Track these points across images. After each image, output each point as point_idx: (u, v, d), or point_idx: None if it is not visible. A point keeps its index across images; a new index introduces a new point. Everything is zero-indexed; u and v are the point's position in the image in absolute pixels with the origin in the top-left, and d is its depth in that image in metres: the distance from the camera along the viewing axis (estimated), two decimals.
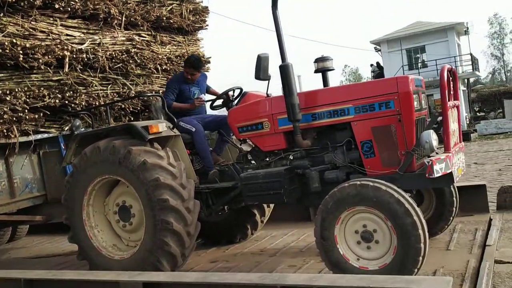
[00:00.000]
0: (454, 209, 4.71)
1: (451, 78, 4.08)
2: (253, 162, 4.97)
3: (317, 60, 4.85)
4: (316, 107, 4.27)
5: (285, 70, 4.17)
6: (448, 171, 3.65)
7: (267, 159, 4.74)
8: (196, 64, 5.49)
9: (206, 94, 5.85)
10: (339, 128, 4.29)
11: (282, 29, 4.22)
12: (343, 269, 3.62)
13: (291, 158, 4.51)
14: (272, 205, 5.84)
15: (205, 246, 5.92)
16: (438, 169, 3.56)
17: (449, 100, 3.92)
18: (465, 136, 22.72)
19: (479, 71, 34.93)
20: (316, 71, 4.89)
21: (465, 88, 32.16)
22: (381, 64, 31.01)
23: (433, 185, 4.12)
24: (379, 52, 32.91)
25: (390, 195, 3.47)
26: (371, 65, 31.48)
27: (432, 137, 3.62)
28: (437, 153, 3.87)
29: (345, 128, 4.23)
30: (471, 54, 32.08)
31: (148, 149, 4.52)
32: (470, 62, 31.65)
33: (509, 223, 5.09)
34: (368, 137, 4.05)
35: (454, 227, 5.08)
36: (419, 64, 30.82)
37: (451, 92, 4.08)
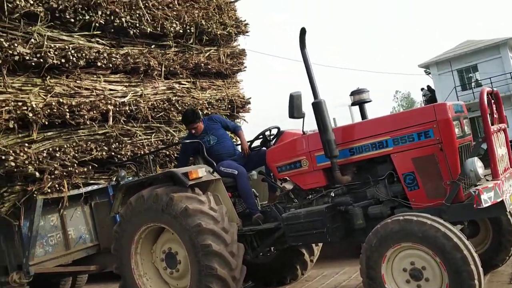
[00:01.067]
0: None
1: (493, 101, 3.88)
2: (295, 200, 4.89)
3: (353, 93, 4.80)
4: (353, 142, 4.18)
5: (318, 107, 4.13)
6: (499, 200, 3.41)
7: (309, 197, 4.65)
8: (191, 117, 5.45)
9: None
10: (379, 161, 4.16)
11: (312, 67, 4.22)
12: None
13: (333, 195, 4.40)
14: (320, 244, 5.69)
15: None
16: (487, 199, 3.33)
17: (493, 124, 3.71)
18: None
19: None
20: (353, 104, 4.84)
21: None
22: (432, 87, 30.16)
23: (483, 215, 3.86)
24: (429, 75, 32.08)
25: (436, 229, 3.28)
26: (422, 89, 30.67)
27: (476, 164, 3.42)
28: (487, 180, 3.65)
29: (385, 161, 4.10)
30: None
31: (189, 195, 4.56)
32: None
33: None
34: (410, 168, 3.89)
35: None
36: (473, 84, 29.68)
37: (495, 116, 3.87)
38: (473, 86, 29.20)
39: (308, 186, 4.60)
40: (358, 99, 4.75)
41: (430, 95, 28.71)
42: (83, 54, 5.40)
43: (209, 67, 6.91)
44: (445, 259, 3.23)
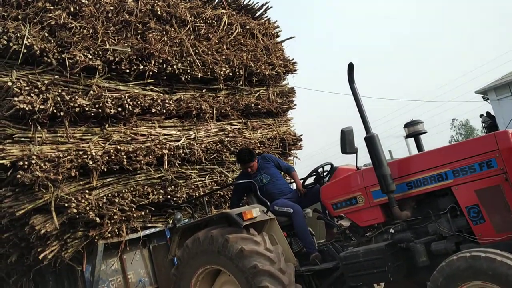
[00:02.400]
0: None
1: None
2: (353, 238, 4.73)
3: (407, 125, 4.68)
4: (410, 175, 4.02)
5: (371, 142, 4.04)
6: None
7: (367, 234, 4.48)
8: (247, 157, 5.51)
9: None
10: (440, 195, 3.97)
11: (362, 101, 4.16)
12: None
13: (392, 231, 4.22)
14: (382, 283, 5.43)
15: None
16: None
17: None
18: None
19: None
20: (407, 136, 4.70)
21: None
22: (492, 113, 28.93)
23: None
24: (488, 101, 30.85)
25: (509, 266, 3.04)
26: (481, 115, 29.49)
27: None
28: None
29: (446, 193, 3.90)
30: None
31: (244, 236, 4.52)
32: None
33: None
34: (474, 201, 3.68)
35: None
36: None
37: None
38: None
39: (366, 223, 4.44)
40: (413, 131, 4.62)
41: (490, 121, 27.53)
42: (138, 102, 5.64)
43: (259, 107, 7.01)
44: None
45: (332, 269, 4.59)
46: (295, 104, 7.62)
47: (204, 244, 4.68)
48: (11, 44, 4.91)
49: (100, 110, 5.31)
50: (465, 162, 3.70)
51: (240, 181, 5.58)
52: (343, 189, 4.55)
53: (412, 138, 4.74)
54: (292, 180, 5.86)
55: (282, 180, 5.64)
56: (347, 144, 4.23)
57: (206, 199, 5.82)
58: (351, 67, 4.17)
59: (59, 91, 5.09)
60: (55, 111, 4.99)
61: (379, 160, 4.00)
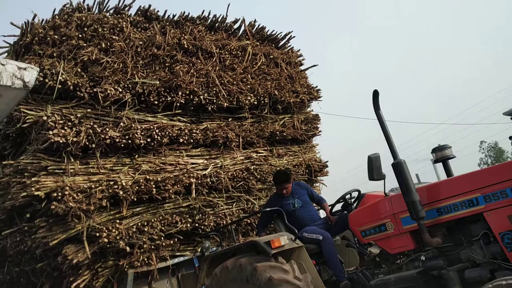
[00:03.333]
0: None
1: None
2: (383, 266, 4.66)
3: (434, 150, 4.64)
4: (440, 201, 3.97)
5: (398, 168, 4.02)
6: None
7: (397, 261, 4.42)
8: (284, 177, 5.57)
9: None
10: (471, 221, 3.89)
11: (388, 128, 4.17)
12: None
13: (423, 258, 4.15)
14: None
15: None
16: None
17: None
18: None
19: None
20: (435, 161, 4.67)
21: None
22: None
23: None
24: None
25: None
26: (510, 137, 28.86)
27: None
28: None
29: (478, 219, 3.83)
30: None
31: (273, 264, 4.51)
32: None
33: None
34: (508, 227, 3.59)
35: None
36: None
37: None
38: None
39: (396, 250, 4.38)
40: (441, 156, 4.58)
41: None
42: (167, 132, 5.77)
43: (285, 134, 7.08)
44: None
45: None
46: (320, 131, 7.66)
47: (232, 272, 4.68)
48: (46, 80, 5.12)
49: (130, 141, 5.45)
50: (496, 187, 3.64)
51: (268, 209, 5.60)
52: (371, 216, 4.51)
53: (440, 163, 4.71)
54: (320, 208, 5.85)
55: (313, 207, 5.67)
56: (374, 170, 4.22)
57: (234, 227, 5.84)
58: (376, 94, 4.19)
59: (91, 123, 5.26)
60: (87, 143, 5.15)
61: (407, 186, 3.97)
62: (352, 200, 5.19)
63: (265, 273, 4.40)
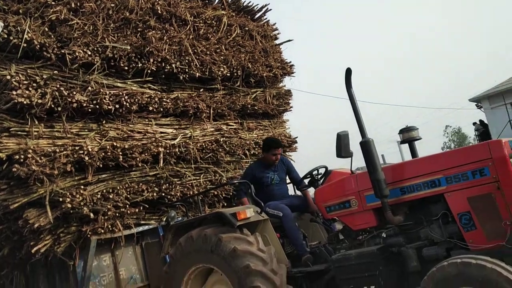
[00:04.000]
0: None
1: None
2: (345, 241, 4.77)
3: (402, 131, 4.72)
4: (404, 181, 4.07)
5: (366, 146, 4.08)
6: None
7: (359, 238, 4.53)
8: (276, 143, 5.57)
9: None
10: (432, 201, 4.02)
11: (359, 106, 4.20)
12: None
13: (384, 236, 4.26)
14: (372, 287, 5.47)
15: None
16: None
17: None
18: None
19: None
20: (402, 142, 4.75)
21: None
22: (485, 121, 29.16)
23: None
24: (481, 109, 31.09)
25: (498, 274, 3.10)
26: (474, 123, 29.74)
27: None
28: None
29: (439, 200, 3.96)
30: None
31: (238, 235, 4.55)
32: None
33: None
34: (466, 208, 3.73)
35: None
36: None
37: None
38: None
39: (358, 226, 4.48)
40: (408, 137, 4.66)
41: (483, 129, 27.76)
42: (136, 100, 5.66)
43: (256, 108, 7.05)
44: None
45: (324, 271, 4.61)
46: (291, 106, 7.67)
47: (197, 242, 4.70)
48: (11, 38, 4.90)
49: (97, 107, 5.32)
50: (458, 170, 3.75)
51: (236, 182, 5.66)
52: (337, 192, 4.59)
53: (406, 144, 4.80)
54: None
55: (286, 185, 5.73)
56: (342, 148, 4.27)
57: (200, 198, 5.84)
58: (348, 72, 4.21)
59: (58, 86, 5.09)
60: (52, 106, 4.99)
61: (373, 165, 4.04)
62: (319, 176, 5.26)
63: (230, 244, 4.44)
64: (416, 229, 4.12)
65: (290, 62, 7.75)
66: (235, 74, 6.86)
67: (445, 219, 3.94)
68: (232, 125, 6.83)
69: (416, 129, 4.65)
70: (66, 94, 5.07)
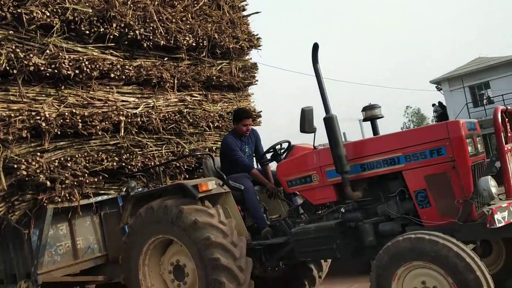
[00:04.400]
0: None
1: (507, 119, 3.85)
2: (305, 215, 4.86)
3: (365, 109, 4.77)
4: (364, 157, 4.15)
5: (329, 122, 4.12)
6: None
7: (318, 212, 4.62)
8: (246, 113, 5.54)
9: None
10: (391, 178, 4.12)
11: (324, 82, 4.21)
12: None
13: (343, 210, 4.36)
14: (329, 260, 5.63)
15: None
16: (500, 219, 3.29)
17: (507, 143, 3.67)
18: None
19: None
20: (364, 120, 4.81)
21: None
22: (444, 103, 30.03)
23: (496, 235, 3.76)
24: (441, 91, 31.97)
25: (449, 249, 3.23)
26: (433, 105, 30.56)
27: (490, 183, 3.38)
28: (500, 200, 3.60)
29: (397, 177, 4.06)
30: None
31: (199, 207, 4.55)
32: None
33: None
34: (422, 186, 3.85)
35: None
36: (485, 101, 29.52)
37: (509, 134, 3.82)
38: (485, 103, 29.03)
39: (318, 201, 4.56)
40: (370, 115, 4.72)
41: (441, 111, 28.58)
42: (97, 66, 5.46)
43: (221, 80, 6.94)
44: (457, 279, 3.19)
45: (283, 244, 4.69)
46: (257, 80, 7.58)
47: (157, 213, 4.68)
48: None
49: (56, 71, 5.10)
50: (417, 148, 3.85)
51: (198, 154, 5.64)
52: (299, 167, 4.64)
53: (369, 122, 4.86)
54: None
55: (252, 159, 5.72)
56: (306, 123, 4.30)
57: (162, 169, 5.77)
58: (315, 47, 4.20)
59: (13, 47, 4.84)
60: (7, 68, 4.75)
61: (336, 141, 4.09)
62: (282, 151, 5.28)
63: (191, 216, 4.45)
64: (374, 205, 4.23)
65: (257, 34, 7.65)
66: (201, 44, 6.70)
67: (402, 196, 4.05)
68: (196, 97, 6.72)
69: (378, 107, 4.71)
70: (22, 56, 4.83)
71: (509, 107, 3.95)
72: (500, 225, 3.29)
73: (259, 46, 7.64)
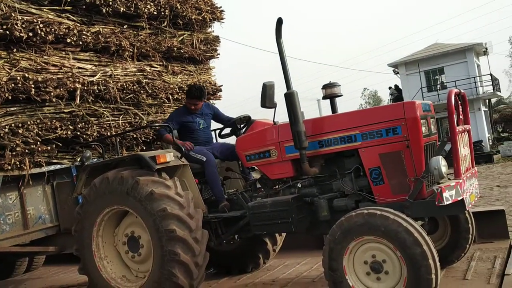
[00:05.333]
0: (470, 236, 4.55)
1: (459, 102, 3.99)
2: (262, 190, 4.91)
3: (324, 87, 4.82)
4: (323, 134, 4.22)
5: (290, 98, 4.15)
6: (459, 198, 3.53)
7: (276, 187, 4.68)
8: (197, 93, 5.47)
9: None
10: (347, 155, 4.22)
11: (286, 57, 4.22)
12: None
13: (299, 186, 4.44)
14: (283, 234, 5.75)
15: (217, 276, 5.82)
16: (448, 196, 3.44)
17: (458, 125, 3.82)
18: (488, 158, 22.18)
19: (500, 91, 34.36)
20: (324, 98, 4.86)
21: (486, 109, 31.63)
22: (400, 87, 30.84)
23: (444, 213, 3.97)
24: (398, 74, 32.77)
25: (399, 224, 3.36)
26: (390, 88, 31.36)
27: (441, 163, 3.52)
28: (449, 179, 3.76)
29: (353, 155, 4.16)
30: (491, 75, 31.69)
31: (156, 179, 4.51)
32: (491, 83, 31.22)
33: None
34: (376, 164, 3.96)
35: (472, 255, 4.89)
36: (438, 86, 30.53)
37: (461, 117, 3.98)
38: (438, 88, 30.05)
39: (276, 176, 4.61)
40: (330, 93, 4.78)
41: (397, 94, 29.37)
42: (52, 29, 5.19)
43: (182, 51, 6.79)
44: (405, 253, 3.33)
45: (239, 217, 4.74)
46: (219, 54, 7.48)
47: (113, 184, 4.60)
48: None
49: (8, 32, 4.82)
50: (374, 127, 3.94)
51: (157, 125, 5.57)
52: (258, 141, 4.66)
53: (327, 101, 4.92)
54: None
55: (210, 131, 5.71)
56: (267, 97, 4.31)
57: (118, 139, 5.64)
58: (279, 22, 4.17)
59: None
60: None
61: (295, 117, 4.13)
62: (242, 125, 5.29)
63: (147, 187, 4.40)
64: (330, 181, 4.33)
65: (221, 7, 7.52)
66: (163, 13, 6.52)
67: (357, 173, 4.16)
68: (156, 67, 6.56)
69: (338, 85, 4.78)
70: None
71: (463, 91, 4.10)
72: (447, 202, 3.44)
73: (222, 19, 7.51)
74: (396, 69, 32.88)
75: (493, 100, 39.70)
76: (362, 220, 3.49)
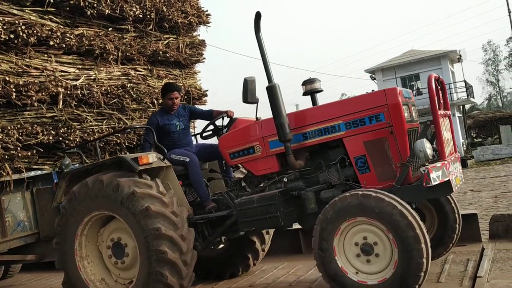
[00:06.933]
0: (455, 236, 4.58)
1: (439, 87, 4.07)
2: (247, 188, 4.84)
3: (305, 83, 4.82)
4: (306, 126, 4.21)
5: (272, 91, 4.15)
6: (446, 179, 3.55)
7: (261, 184, 4.61)
8: (172, 86, 5.38)
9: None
10: (332, 146, 4.21)
11: (266, 51, 4.23)
12: (340, 283, 3.50)
13: (285, 180, 4.39)
14: (271, 232, 5.70)
15: (194, 282, 5.65)
16: (435, 177, 3.46)
17: (439, 109, 3.87)
18: (462, 163, 22.44)
19: (473, 98, 35.15)
20: (304, 94, 4.86)
21: (460, 115, 32.26)
22: None
23: (432, 195, 3.91)
24: (375, 80, 33.30)
25: (393, 207, 3.35)
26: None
27: (425, 145, 3.54)
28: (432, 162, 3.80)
29: (338, 145, 4.16)
30: (465, 81, 32.45)
31: (137, 179, 4.37)
32: (465, 89, 31.97)
33: (501, 253, 4.86)
34: (361, 152, 3.97)
35: (446, 258, 4.86)
36: (414, 92, 31.10)
37: (441, 102, 4.05)
38: (414, 94, 30.51)
39: (261, 172, 4.56)
40: (310, 88, 4.76)
41: None
42: (35, 31, 5.10)
43: (167, 55, 6.71)
44: (398, 236, 3.32)
45: (226, 216, 4.65)
46: (204, 58, 7.45)
47: (93, 189, 4.43)
48: None
49: None
50: (357, 116, 3.96)
51: (137, 126, 5.49)
52: (241, 138, 4.62)
53: (308, 97, 4.92)
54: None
55: (190, 133, 5.63)
56: (249, 93, 4.31)
57: (101, 144, 5.55)
58: (258, 16, 4.18)
59: None
60: None
61: (278, 109, 4.12)
62: (224, 125, 5.22)
63: (128, 188, 4.27)
64: (316, 173, 4.30)
65: (207, 10, 7.51)
66: (148, 16, 6.44)
67: (342, 163, 4.16)
68: (141, 71, 6.48)
69: (318, 81, 4.78)
70: None
71: (441, 77, 4.19)
72: (435, 183, 3.45)
73: (208, 22, 7.48)
74: (373, 75, 33.41)
75: (467, 106, 40.53)
76: (356, 200, 3.48)
